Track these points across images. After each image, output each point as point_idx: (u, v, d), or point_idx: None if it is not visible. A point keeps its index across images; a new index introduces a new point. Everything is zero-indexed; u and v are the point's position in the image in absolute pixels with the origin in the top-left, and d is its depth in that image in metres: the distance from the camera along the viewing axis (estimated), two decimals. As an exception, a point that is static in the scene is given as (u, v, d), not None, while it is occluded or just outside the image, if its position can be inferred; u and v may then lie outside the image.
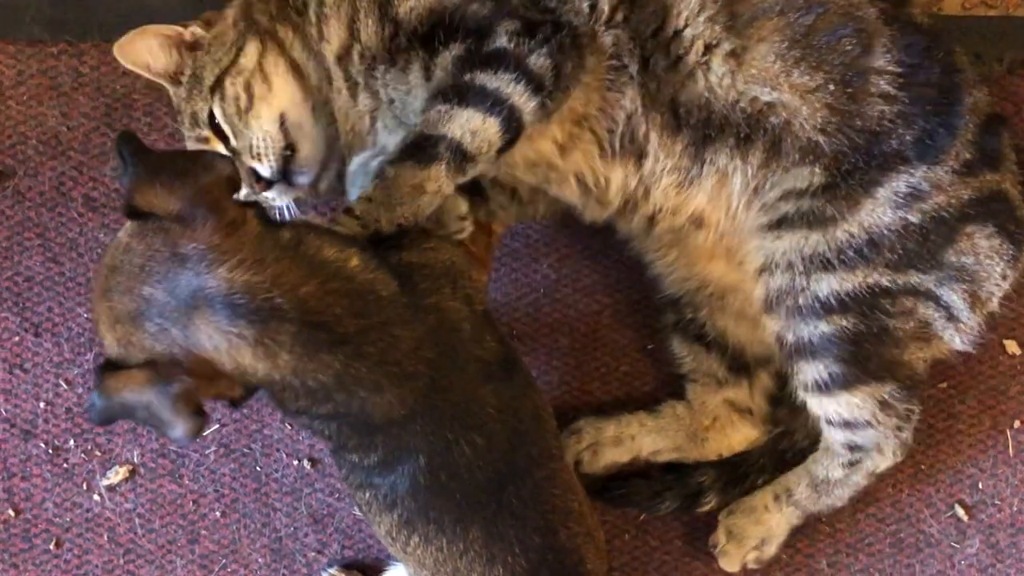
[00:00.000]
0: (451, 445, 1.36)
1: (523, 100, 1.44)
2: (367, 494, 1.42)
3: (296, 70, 1.58)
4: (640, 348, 1.84)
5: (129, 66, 1.61)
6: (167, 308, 1.21)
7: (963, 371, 1.82)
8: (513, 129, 1.44)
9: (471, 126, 1.41)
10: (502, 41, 1.45)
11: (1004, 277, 1.58)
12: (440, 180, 1.41)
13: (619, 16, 1.50)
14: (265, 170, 1.58)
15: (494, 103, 1.42)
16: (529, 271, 1.84)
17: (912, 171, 1.50)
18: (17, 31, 1.82)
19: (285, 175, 1.59)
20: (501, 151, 1.45)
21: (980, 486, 1.82)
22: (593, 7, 1.50)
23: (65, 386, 1.80)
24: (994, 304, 1.60)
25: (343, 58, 1.56)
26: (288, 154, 1.58)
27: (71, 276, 1.80)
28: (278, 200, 1.63)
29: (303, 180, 1.62)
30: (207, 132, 1.59)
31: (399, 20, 1.50)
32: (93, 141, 1.81)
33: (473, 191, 1.61)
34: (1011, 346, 1.84)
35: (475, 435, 1.37)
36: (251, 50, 1.57)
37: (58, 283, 1.80)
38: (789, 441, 1.76)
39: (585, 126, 1.54)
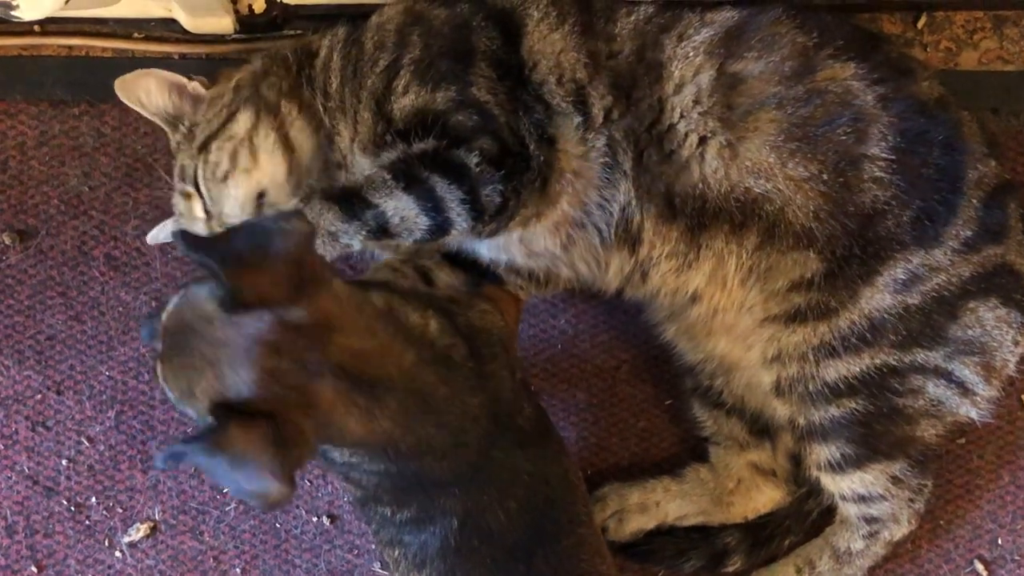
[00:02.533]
0: (486, 510, 1.38)
1: (459, 218, 1.47)
2: (396, 551, 1.43)
3: (288, 148, 1.56)
4: (658, 404, 1.85)
5: (124, 101, 1.61)
6: (288, 376, 1.20)
7: (980, 426, 1.81)
8: (438, 233, 1.48)
9: (404, 212, 1.45)
10: (471, 159, 1.46)
11: (1016, 343, 1.58)
12: (353, 238, 1.44)
13: (615, 114, 1.52)
14: None
15: (434, 207, 1.45)
16: (547, 326, 1.85)
17: (910, 257, 1.50)
18: (39, 92, 1.83)
19: None
20: (418, 242, 1.50)
21: (999, 541, 1.82)
22: (586, 117, 1.51)
23: (87, 444, 1.81)
24: (1010, 369, 1.61)
25: (351, 147, 1.58)
26: None
27: (93, 334, 1.82)
28: None
29: None
30: (191, 188, 1.59)
31: (391, 118, 1.52)
32: (114, 200, 1.83)
33: (489, 277, 1.65)
34: (1029, 401, 1.84)
35: (510, 501, 1.39)
36: (244, 119, 1.56)
37: (80, 341, 1.82)
38: (814, 502, 1.76)
39: (586, 222, 1.56)
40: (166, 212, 1.79)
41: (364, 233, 1.44)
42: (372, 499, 1.42)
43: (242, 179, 1.55)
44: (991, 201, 1.54)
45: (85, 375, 1.82)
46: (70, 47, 1.84)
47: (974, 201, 1.52)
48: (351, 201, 1.45)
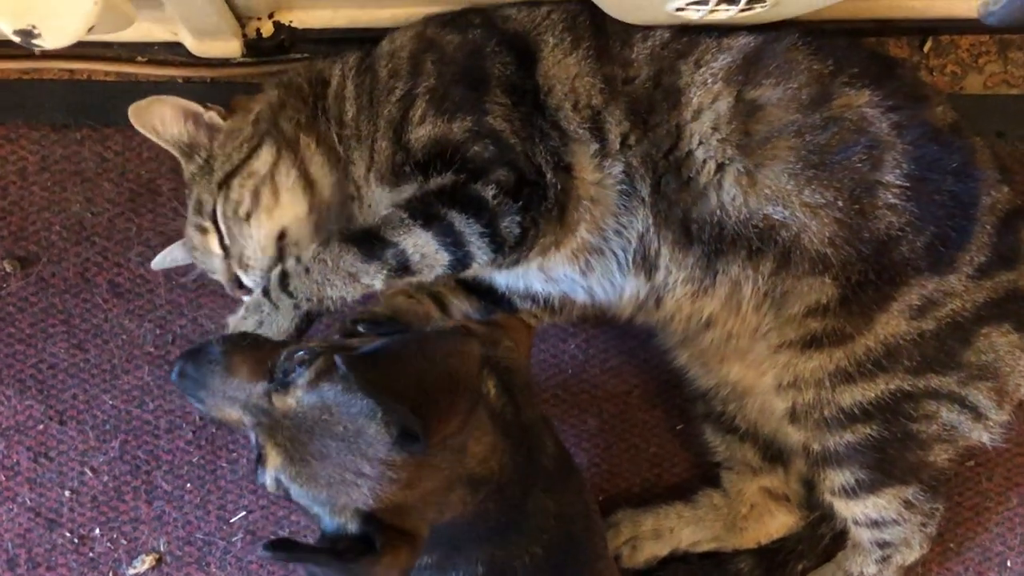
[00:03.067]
0: (513, 556, 1.35)
1: (479, 251, 1.46)
2: None
3: (308, 184, 1.54)
4: (669, 429, 1.84)
5: (138, 128, 1.58)
6: (436, 492, 1.22)
7: (989, 449, 1.81)
8: (459, 268, 1.48)
9: (424, 249, 1.44)
10: (488, 191, 1.46)
11: None
12: (374, 278, 1.43)
13: (632, 140, 1.51)
14: (250, 282, 1.55)
15: (454, 242, 1.45)
16: (557, 351, 1.83)
17: (924, 283, 1.50)
18: (40, 116, 1.80)
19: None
20: (439, 277, 1.49)
21: (1009, 564, 1.83)
22: (603, 144, 1.50)
23: (91, 474, 1.78)
24: (1023, 394, 1.61)
25: (366, 177, 1.56)
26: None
27: (96, 363, 1.79)
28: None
29: None
30: (208, 223, 1.56)
31: (409, 148, 1.51)
32: (118, 226, 1.80)
33: (503, 304, 1.64)
34: (1036, 424, 1.84)
35: (536, 546, 1.36)
36: (265, 155, 1.54)
37: (83, 370, 1.79)
38: (827, 526, 1.76)
39: (604, 248, 1.56)
40: (171, 238, 1.77)
41: (385, 272, 1.43)
42: None
43: (264, 218, 1.52)
44: (1004, 227, 1.54)
45: (88, 404, 1.79)
46: (71, 71, 1.81)
47: (987, 227, 1.52)
48: (370, 241, 1.43)
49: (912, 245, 1.50)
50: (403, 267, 1.44)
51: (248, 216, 1.52)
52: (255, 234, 1.53)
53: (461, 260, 1.46)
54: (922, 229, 1.50)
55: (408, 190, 1.49)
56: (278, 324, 1.45)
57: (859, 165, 1.49)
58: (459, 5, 1.64)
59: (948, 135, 1.54)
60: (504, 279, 1.61)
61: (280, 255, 1.53)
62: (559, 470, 1.43)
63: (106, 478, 1.78)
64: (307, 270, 1.44)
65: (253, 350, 1.26)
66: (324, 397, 1.19)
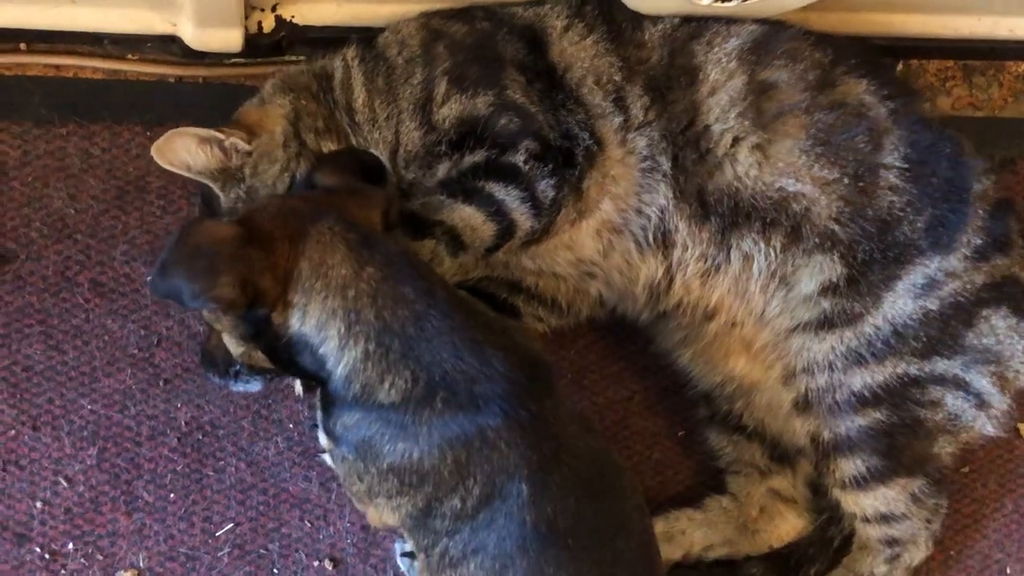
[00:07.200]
0: (550, 464, 1.30)
1: (522, 218, 1.52)
2: (472, 565, 1.31)
3: None
4: (671, 435, 1.81)
5: (167, 166, 1.52)
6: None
7: (982, 455, 1.84)
8: (505, 237, 1.53)
9: (472, 222, 1.50)
10: (519, 159, 1.52)
11: None
12: (433, 249, 1.48)
13: (651, 115, 1.56)
14: None
15: (498, 212, 1.51)
16: (556, 358, 1.78)
17: (927, 262, 1.55)
18: (24, 112, 1.73)
19: None
20: (488, 251, 1.53)
21: (1008, 571, 1.82)
22: (627, 117, 1.55)
23: (65, 484, 1.65)
24: (1022, 382, 1.64)
25: (391, 161, 1.57)
26: None
27: (74, 365, 1.68)
28: None
29: None
30: None
31: (438, 127, 1.55)
32: (102, 224, 1.72)
33: (507, 310, 1.63)
34: (1025, 430, 1.87)
35: (571, 457, 1.33)
36: None
37: (60, 373, 1.68)
38: (836, 529, 1.73)
39: (624, 229, 1.59)
40: (158, 236, 1.72)
41: (443, 248, 1.47)
42: (435, 496, 1.31)
43: None
44: (995, 214, 1.61)
45: (64, 409, 1.67)
46: (58, 67, 1.76)
47: (980, 212, 1.59)
48: (414, 223, 1.48)
49: (913, 225, 1.56)
50: (456, 241, 1.48)
51: None
52: None
53: (507, 229, 1.51)
54: (921, 210, 1.56)
55: (442, 169, 1.53)
56: None
57: (861, 146, 1.56)
58: (462, 3, 1.66)
59: (937, 126, 1.63)
60: (531, 263, 1.60)
61: None
62: (594, 434, 1.41)
63: (82, 488, 1.65)
64: None
65: None
66: None
